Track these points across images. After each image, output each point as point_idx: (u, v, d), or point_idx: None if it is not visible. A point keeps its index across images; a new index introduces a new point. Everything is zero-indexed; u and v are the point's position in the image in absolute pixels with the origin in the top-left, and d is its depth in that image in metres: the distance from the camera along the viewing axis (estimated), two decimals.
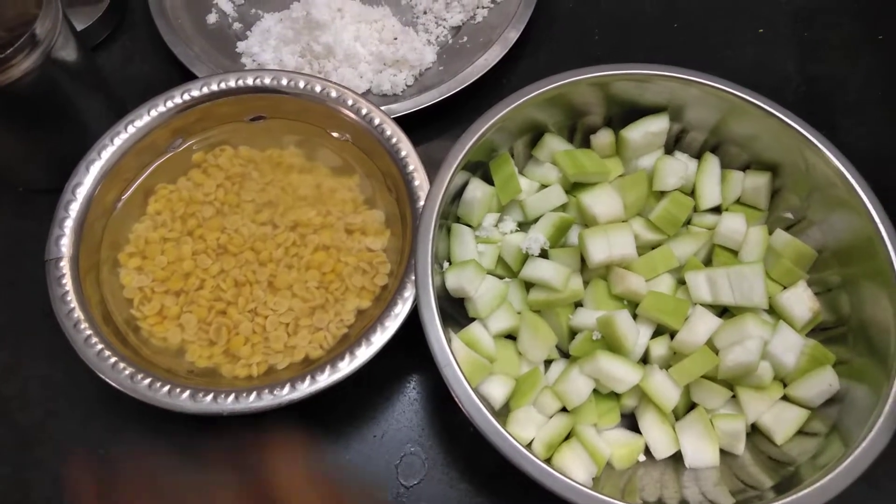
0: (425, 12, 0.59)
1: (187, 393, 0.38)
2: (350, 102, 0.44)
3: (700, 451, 0.42)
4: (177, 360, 0.43)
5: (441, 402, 0.47)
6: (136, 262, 0.45)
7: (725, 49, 0.59)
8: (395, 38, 0.55)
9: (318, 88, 0.44)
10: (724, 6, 0.61)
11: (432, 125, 0.56)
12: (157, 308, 0.44)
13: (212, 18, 0.59)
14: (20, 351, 0.47)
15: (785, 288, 0.44)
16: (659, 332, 0.44)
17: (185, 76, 0.56)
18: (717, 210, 0.48)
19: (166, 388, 0.39)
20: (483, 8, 0.59)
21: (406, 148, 0.44)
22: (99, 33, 0.58)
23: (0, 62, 0.41)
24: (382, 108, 0.52)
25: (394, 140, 0.44)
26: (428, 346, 0.38)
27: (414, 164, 0.43)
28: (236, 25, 0.59)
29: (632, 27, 0.60)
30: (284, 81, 0.44)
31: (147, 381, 0.39)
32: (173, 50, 0.55)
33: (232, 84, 0.45)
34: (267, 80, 0.45)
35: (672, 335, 0.44)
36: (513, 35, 0.55)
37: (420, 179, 0.43)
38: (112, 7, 0.58)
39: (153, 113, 0.45)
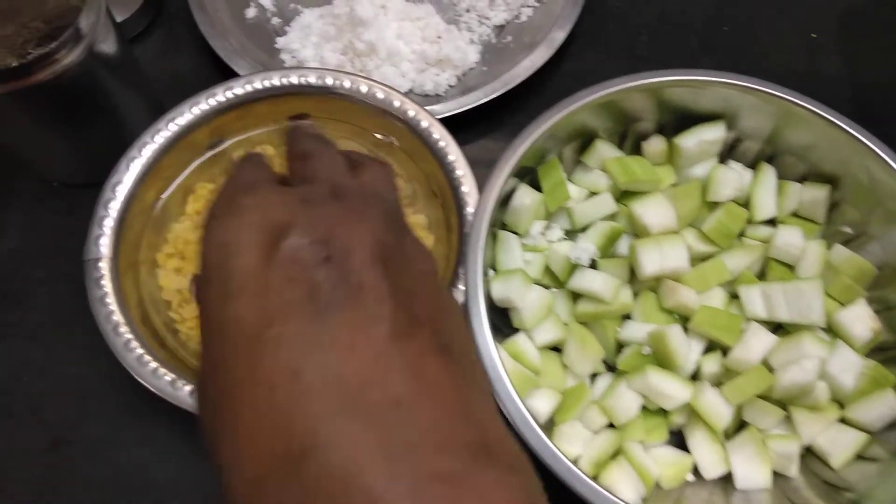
0: (468, 10, 0.58)
1: None
2: (397, 104, 0.43)
3: (751, 472, 0.40)
4: None
5: None
6: (175, 263, 0.44)
7: (776, 53, 0.57)
8: (439, 37, 0.54)
9: (363, 88, 0.43)
10: (774, 10, 0.60)
11: (472, 127, 0.54)
12: (195, 311, 0.43)
13: (251, 13, 0.58)
14: (55, 349, 0.46)
15: (843, 306, 0.42)
16: (710, 347, 0.43)
17: (222, 71, 0.55)
18: (771, 222, 0.46)
19: None
20: (528, 6, 0.58)
21: (454, 152, 0.42)
22: (136, 25, 0.57)
23: (44, 57, 0.40)
24: (426, 108, 0.51)
25: (441, 143, 0.43)
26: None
27: (462, 170, 0.42)
28: (275, 20, 0.58)
29: (680, 29, 0.59)
30: (330, 81, 0.43)
31: (188, 388, 0.38)
32: (211, 44, 0.54)
33: (276, 82, 0.44)
34: (312, 79, 0.43)
35: (724, 351, 0.42)
36: (560, 36, 0.54)
37: (468, 185, 0.42)
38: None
39: (195, 111, 0.44)
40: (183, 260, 0.44)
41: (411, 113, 0.43)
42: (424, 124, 0.43)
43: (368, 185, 0.26)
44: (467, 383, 0.21)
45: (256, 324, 0.20)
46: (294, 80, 0.44)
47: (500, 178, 0.40)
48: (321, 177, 0.25)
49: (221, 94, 0.44)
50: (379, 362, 0.20)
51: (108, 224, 0.43)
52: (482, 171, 0.43)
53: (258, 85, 0.44)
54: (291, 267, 0.21)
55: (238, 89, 0.44)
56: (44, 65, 0.41)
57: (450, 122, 0.51)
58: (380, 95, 0.43)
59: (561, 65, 0.57)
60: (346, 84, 0.43)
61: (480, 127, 0.55)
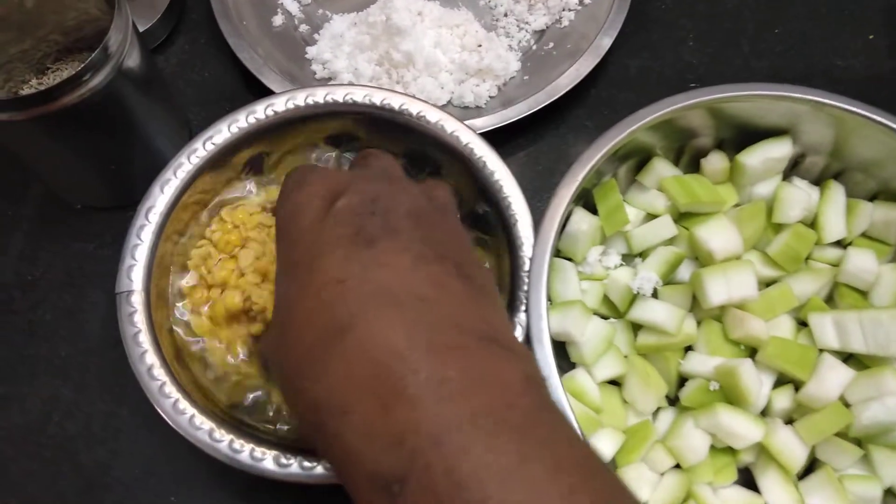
0: (506, 14, 0.55)
1: (270, 457, 0.35)
2: (450, 129, 0.40)
3: None
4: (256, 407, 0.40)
5: None
6: (199, 293, 0.42)
7: (833, 57, 0.54)
8: (480, 45, 0.51)
9: (413, 110, 0.40)
10: (829, 11, 0.56)
11: (512, 139, 0.52)
12: (227, 338, 0.41)
13: (277, 20, 0.55)
14: (83, 385, 0.44)
15: None
16: (779, 380, 0.40)
17: (249, 83, 0.53)
18: (838, 242, 0.44)
19: (248, 448, 0.35)
20: (569, 10, 0.55)
21: (508, 184, 0.40)
22: (157, 35, 0.54)
23: (70, 81, 0.37)
24: (466, 122, 0.48)
25: (496, 177, 0.40)
26: None
27: (517, 203, 0.39)
28: (303, 27, 0.55)
29: (729, 33, 0.56)
30: (377, 100, 0.40)
31: (226, 440, 0.35)
32: (239, 55, 0.51)
33: (319, 100, 0.41)
34: (358, 98, 0.40)
35: (795, 385, 0.40)
36: (606, 42, 0.51)
37: (523, 217, 0.39)
38: (171, 6, 0.54)
39: (234, 129, 0.41)
40: (209, 290, 0.41)
41: (464, 141, 0.40)
42: (478, 154, 0.40)
43: (426, 187, 0.31)
44: (484, 298, 0.27)
45: (313, 252, 0.26)
46: (339, 97, 0.41)
47: (561, 206, 0.38)
48: (376, 166, 0.32)
49: (262, 112, 0.41)
50: (408, 273, 0.25)
51: (142, 253, 0.40)
52: (528, 187, 0.41)
53: (300, 102, 0.41)
54: (342, 216, 0.27)
55: (279, 106, 0.41)
56: (69, 88, 0.38)
57: (489, 135, 0.48)
58: (431, 119, 0.40)
59: (603, 71, 0.54)
60: (395, 105, 0.40)
61: (520, 140, 0.52)
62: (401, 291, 0.24)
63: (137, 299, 0.39)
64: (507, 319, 0.27)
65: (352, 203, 0.27)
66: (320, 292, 0.25)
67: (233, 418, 0.38)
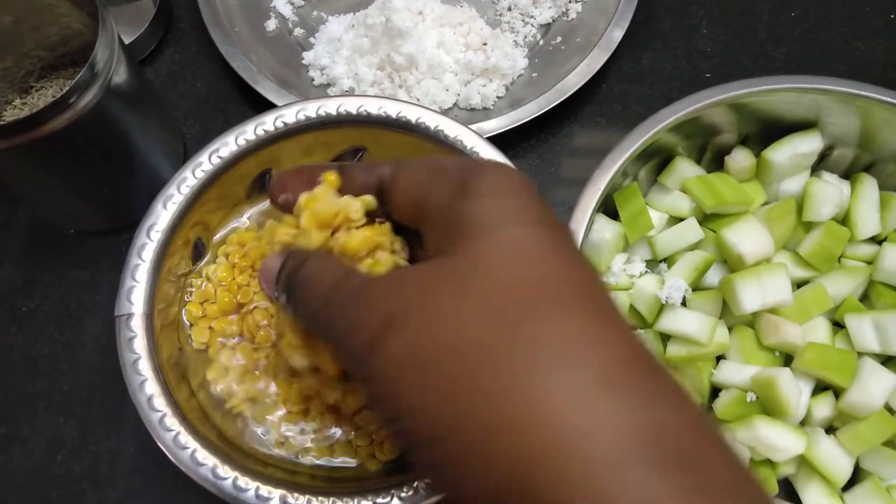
0: (510, 9, 0.52)
1: (277, 496, 0.33)
2: (469, 145, 0.37)
3: None
4: (266, 436, 0.38)
5: None
6: (207, 321, 0.40)
7: (853, 40, 0.52)
8: (485, 44, 0.49)
9: (430, 123, 0.37)
10: None
11: (522, 139, 0.49)
12: (229, 359, 0.39)
13: (271, 25, 0.52)
14: (87, 422, 0.42)
15: None
16: (818, 387, 0.39)
17: (244, 92, 0.50)
18: (872, 239, 0.42)
19: (253, 487, 0.33)
20: (576, 2, 0.52)
21: None
22: (145, 46, 0.52)
23: (57, 104, 0.35)
24: (473, 125, 0.46)
25: None
26: None
27: None
28: (297, 31, 0.53)
29: (744, 18, 0.53)
30: (393, 112, 0.38)
31: (230, 478, 0.33)
32: (232, 64, 0.48)
33: (332, 111, 0.38)
34: (372, 109, 0.38)
35: (835, 391, 0.38)
36: (616, 35, 0.48)
37: None
38: (158, 15, 0.51)
39: (241, 142, 0.38)
40: (213, 307, 0.39)
41: (469, 144, 0.38)
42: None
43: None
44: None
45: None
46: (353, 109, 0.38)
47: (585, 218, 0.36)
48: None
49: (271, 124, 0.39)
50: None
51: (143, 274, 0.37)
52: (541, 189, 0.39)
53: (311, 114, 0.38)
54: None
55: (289, 118, 0.39)
56: (56, 112, 0.36)
57: (499, 137, 0.46)
58: (449, 134, 0.38)
59: (614, 64, 0.52)
60: (412, 117, 0.38)
61: (531, 140, 0.50)
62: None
63: (138, 323, 0.37)
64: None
65: None
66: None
67: (239, 449, 0.36)
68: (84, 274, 0.45)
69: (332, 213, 0.27)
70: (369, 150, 0.40)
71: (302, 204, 0.28)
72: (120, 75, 0.40)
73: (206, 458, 0.34)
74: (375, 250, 0.27)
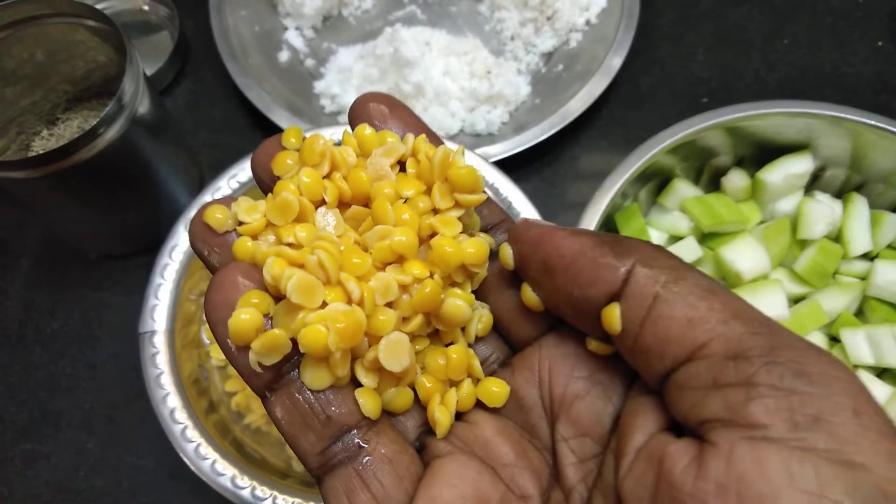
0: (513, 38, 0.55)
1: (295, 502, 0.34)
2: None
3: None
4: (283, 450, 0.39)
5: None
6: None
7: (843, 66, 0.54)
8: (489, 72, 0.51)
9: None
10: (835, 19, 0.56)
11: (525, 163, 0.51)
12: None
13: (283, 56, 0.54)
14: (109, 438, 0.43)
15: None
16: None
17: (258, 120, 0.52)
18: (864, 256, 0.43)
19: (270, 497, 0.35)
20: (577, 31, 0.54)
21: (528, 216, 0.39)
22: (164, 78, 0.54)
23: (87, 136, 0.37)
24: (478, 150, 0.48)
25: (512, 204, 0.40)
26: None
27: None
28: (308, 62, 0.55)
29: (738, 45, 0.55)
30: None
31: (249, 487, 0.35)
32: (246, 94, 0.51)
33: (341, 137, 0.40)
34: None
35: None
36: (616, 62, 0.51)
37: None
38: (176, 49, 0.54)
39: None
40: None
41: (489, 181, 0.40)
42: (503, 194, 0.40)
43: None
44: None
45: None
46: None
47: None
48: None
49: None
50: None
51: (166, 293, 0.39)
52: (545, 211, 0.41)
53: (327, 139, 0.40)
54: None
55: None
56: (84, 143, 0.38)
57: (503, 161, 0.48)
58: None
59: (614, 90, 0.54)
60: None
61: (535, 164, 0.52)
62: None
63: (160, 340, 0.39)
64: None
65: None
66: None
67: (259, 463, 0.38)
68: (105, 296, 0.47)
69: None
70: None
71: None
72: (144, 106, 0.42)
73: (226, 469, 0.36)
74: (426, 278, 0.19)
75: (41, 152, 0.36)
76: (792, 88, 0.53)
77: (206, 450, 0.36)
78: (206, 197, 0.41)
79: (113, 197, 0.44)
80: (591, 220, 0.38)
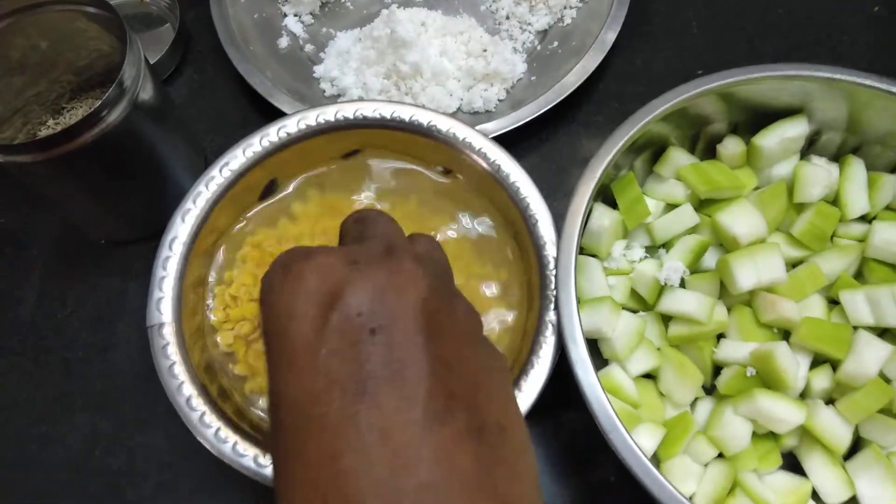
0: (508, 17, 0.55)
1: None
2: (461, 137, 0.40)
3: (882, 494, 0.37)
4: None
5: (573, 464, 0.43)
6: (231, 324, 0.42)
7: (838, 34, 0.54)
8: (485, 50, 0.51)
9: (423, 120, 0.40)
10: None
11: (524, 139, 0.52)
12: (258, 356, 0.41)
13: (283, 42, 0.55)
14: (121, 420, 0.44)
15: None
16: (816, 361, 0.40)
17: (260, 106, 0.53)
18: (862, 218, 0.43)
19: None
20: (571, 8, 0.55)
21: (525, 185, 0.40)
22: (167, 66, 0.55)
23: (89, 118, 0.38)
24: (477, 126, 0.49)
25: (511, 179, 0.40)
26: (580, 393, 0.34)
27: (535, 203, 0.39)
28: (308, 47, 0.56)
29: (732, 17, 0.56)
30: (388, 114, 0.40)
31: (271, 465, 0.35)
32: (249, 81, 0.51)
33: (330, 118, 0.41)
34: (367, 113, 0.41)
35: (833, 364, 0.39)
36: (610, 37, 0.51)
37: (543, 218, 0.39)
38: (177, 38, 0.55)
39: (249, 153, 0.41)
40: (236, 304, 0.42)
41: (477, 146, 0.40)
42: (492, 158, 0.40)
43: (421, 249, 0.26)
44: (496, 467, 0.22)
45: (304, 402, 0.22)
46: (350, 114, 0.41)
47: (582, 204, 0.38)
48: (376, 234, 0.27)
49: (275, 135, 0.41)
50: (410, 450, 0.21)
51: (169, 285, 0.40)
52: (544, 186, 0.41)
53: (312, 122, 0.41)
54: (339, 341, 0.22)
55: (292, 127, 0.41)
56: (88, 126, 0.38)
57: (501, 138, 0.49)
58: (442, 127, 0.40)
59: (610, 66, 0.54)
60: (405, 116, 0.40)
61: (532, 140, 0.52)
62: (403, 478, 0.21)
63: (169, 331, 0.39)
64: (527, 485, 0.23)
65: (349, 319, 0.23)
66: (315, 473, 0.21)
67: None
68: (114, 281, 0.48)
69: None
70: (370, 148, 0.42)
71: None
72: (146, 92, 0.43)
73: (247, 450, 0.36)
74: None
75: (45, 135, 0.37)
76: (787, 58, 0.53)
77: (226, 433, 0.37)
78: (201, 187, 0.41)
79: (118, 182, 0.44)
80: (584, 191, 0.39)
